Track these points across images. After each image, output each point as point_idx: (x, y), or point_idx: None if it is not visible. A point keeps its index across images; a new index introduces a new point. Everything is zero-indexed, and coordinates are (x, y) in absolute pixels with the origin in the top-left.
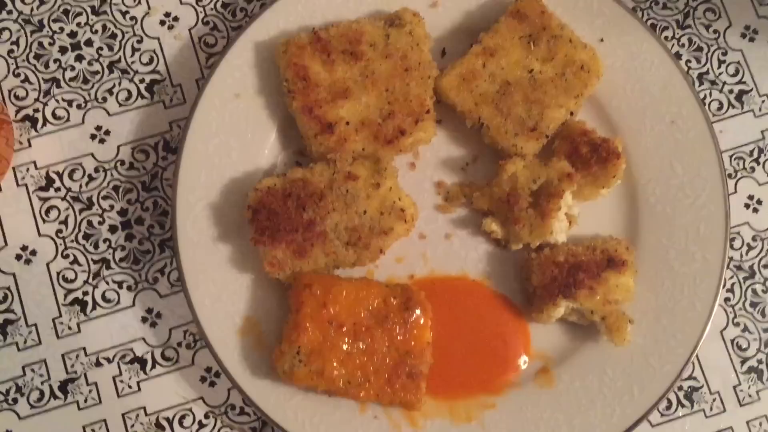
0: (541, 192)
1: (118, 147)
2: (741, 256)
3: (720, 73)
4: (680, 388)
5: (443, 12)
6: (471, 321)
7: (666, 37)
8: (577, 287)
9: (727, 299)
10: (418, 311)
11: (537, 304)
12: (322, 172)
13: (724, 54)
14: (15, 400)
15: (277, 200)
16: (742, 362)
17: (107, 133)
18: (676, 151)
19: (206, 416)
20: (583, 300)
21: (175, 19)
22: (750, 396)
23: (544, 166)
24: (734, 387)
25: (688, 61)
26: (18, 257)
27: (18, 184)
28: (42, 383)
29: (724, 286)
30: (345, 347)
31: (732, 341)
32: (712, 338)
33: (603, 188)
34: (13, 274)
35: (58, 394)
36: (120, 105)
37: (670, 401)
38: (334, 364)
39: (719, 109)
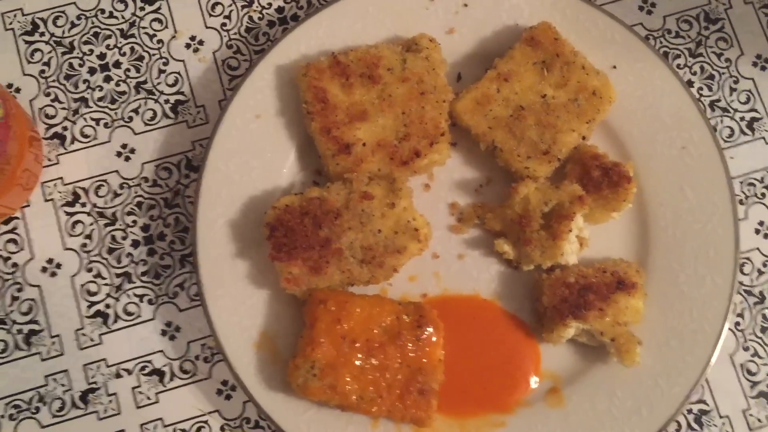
0: (553, 214)
1: (143, 165)
2: (751, 281)
3: (731, 101)
4: (690, 411)
5: (459, 38)
6: (482, 340)
7: (678, 65)
8: (587, 308)
9: (737, 324)
10: (430, 329)
11: (547, 325)
12: (338, 191)
13: (736, 82)
14: (37, 409)
15: (294, 218)
16: (752, 386)
17: (132, 151)
18: (687, 177)
19: (222, 429)
20: (593, 321)
21: (201, 42)
22: (759, 420)
23: (555, 189)
24: (744, 411)
25: (699, 88)
26: (44, 270)
27: (46, 199)
28: (64, 393)
29: (734, 311)
30: (358, 363)
31: (741, 366)
32: (722, 362)
33: (614, 211)
34: (39, 286)
35: (79, 404)
36: (145, 124)
37: (679, 424)
38: (348, 378)
39: (730, 135)
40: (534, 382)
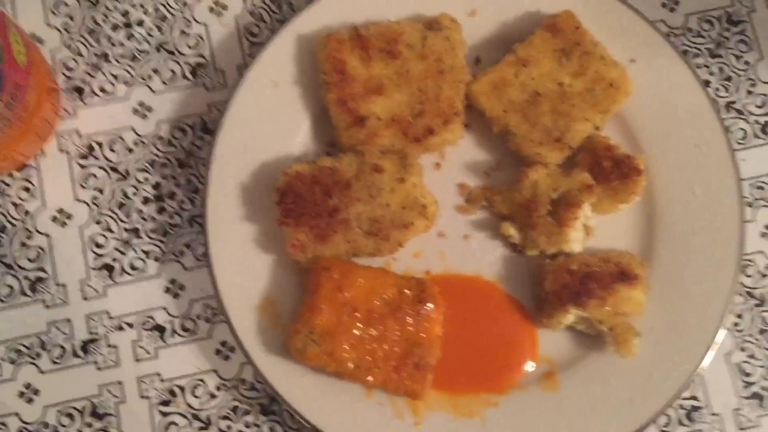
0: (561, 201)
1: (158, 123)
2: (754, 283)
3: (747, 104)
4: (681, 406)
5: (481, 21)
6: (482, 320)
7: (697, 65)
8: (588, 296)
9: (735, 324)
10: (431, 305)
11: (547, 310)
12: (350, 162)
13: (753, 85)
14: (38, 355)
15: (304, 185)
16: (746, 387)
17: (149, 109)
18: (698, 175)
19: (218, 388)
20: (592, 309)
21: (224, 7)
22: (750, 420)
23: (565, 177)
24: (735, 410)
25: (716, 89)
26: (54, 219)
27: (61, 150)
28: (65, 341)
29: (733, 311)
30: (357, 332)
31: (737, 366)
32: (718, 361)
33: (622, 203)
34: (48, 235)
35: (79, 353)
36: (164, 84)
37: (670, 418)
38: (345, 346)
39: (743, 138)
40: (530, 365)
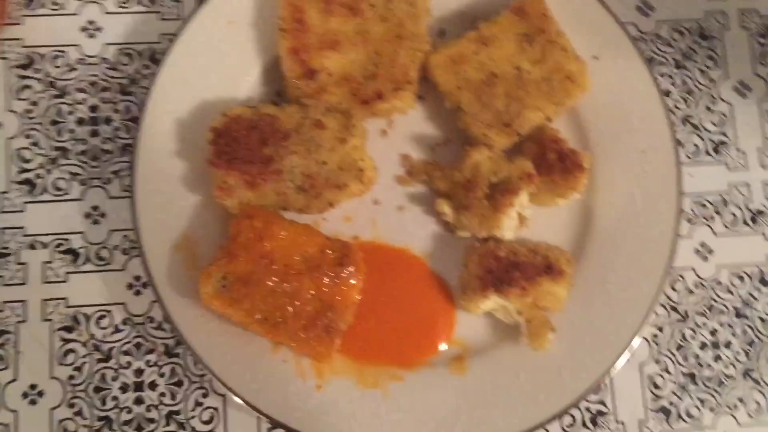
0: (499, 186)
1: (106, 45)
2: (679, 298)
3: (704, 120)
4: (588, 409)
5: None
6: (402, 294)
7: (661, 73)
8: (510, 284)
9: (654, 336)
10: (351, 269)
11: (468, 293)
12: (292, 114)
13: (713, 102)
14: None
15: (242, 129)
16: (654, 399)
17: (99, 29)
18: (640, 181)
19: (124, 322)
20: (513, 298)
21: None
22: None
23: (508, 162)
24: (640, 421)
25: (676, 100)
26: None
27: (0, 57)
28: None
29: (654, 322)
30: (271, 284)
31: (649, 377)
32: (631, 369)
33: (560, 198)
34: None
35: None
36: (118, 6)
37: (574, 418)
38: (256, 297)
39: (695, 153)
40: (443, 346)
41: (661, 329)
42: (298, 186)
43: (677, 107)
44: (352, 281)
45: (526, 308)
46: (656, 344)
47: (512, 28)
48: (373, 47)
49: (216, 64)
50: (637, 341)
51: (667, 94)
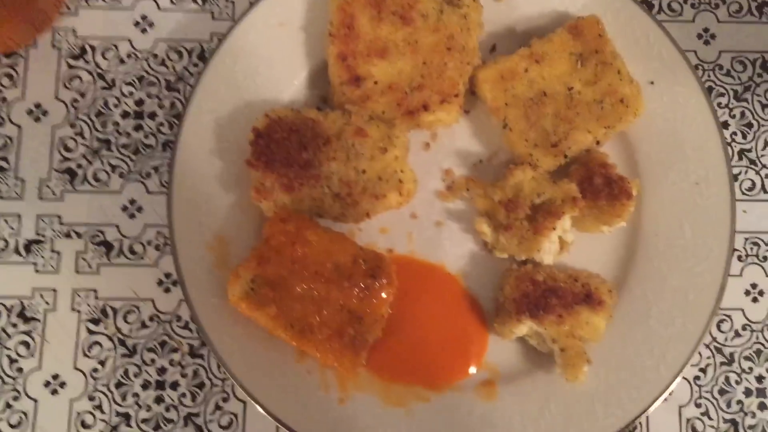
0: (542, 208)
1: (156, 40)
2: (725, 339)
3: (762, 155)
4: None
5: (506, 9)
6: (434, 312)
7: (719, 103)
8: (546, 311)
9: (696, 378)
10: (383, 282)
11: (502, 316)
12: (335, 119)
13: None
14: None
15: (283, 131)
16: None
17: (151, 24)
18: (691, 214)
19: (151, 319)
20: (548, 326)
21: None
22: None
23: (552, 184)
24: None
25: (734, 133)
26: (29, 112)
27: (53, 46)
28: (10, 236)
29: (697, 364)
30: (299, 290)
31: (688, 421)
32: (669, 411)
33: (605, 225)
34: (20, 126)
35: (21, 251)
36: (172, 3)
37: None
38: (284, 303)
39: (750, 189)
40: (472, 369)
41: (704, 371)
42: (335, 193)
43: (734, 140)
44: (383, 294)
45: (561, 337)
46: (698, 386)
47: (566, 47)
48: (421, 57)
49: (263, 66)
50: (677, 382)
51: (725, 125)
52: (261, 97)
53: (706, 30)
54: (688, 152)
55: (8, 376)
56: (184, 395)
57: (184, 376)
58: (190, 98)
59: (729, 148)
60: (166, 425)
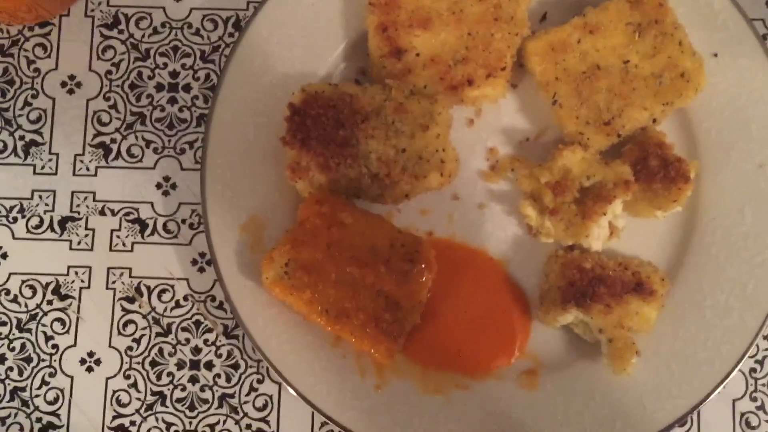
0: (592, 191)
1: (191, 9)
2: None
3: None
4: None
5: None
6: (475, 298)
7: None
8: (594, 300)
9: (753, 370)
10: (421, 266)
11: (546, 304)
12: (374, 94)
13: None
14: (15, 219)
15: (320, 107)
16: None
17: None
18: (754, 198)
19: (185, 298)
20: (595, 315)
21: None
22: None
23: (604, 165)
24: None
25: None
26: (63, 84)
27: (86, 15)
28: (45, 212)
29: (754, 355)
30: (334, 275)
31: (743, 415)
32: (723, 404)
33: (659, 210)
34: (54, 99)
35: (56, 228)
36: None
37: None
38: (319, 287)
39: None
40: (514, 357)
41: (760, 363)
42: (373, 173)
43: None
44: (422, 279)
45: (609, 327)
46: (754, 379)
47: (623, 16)
48: (466, 28)
49: (300, 36)
50: (733, 375)
51: None
52: (297, 70)
53: None
54: (752, 131)
55: (44, 352)
56: (218, 375)
57: (218, 356)
58: (224, 70)
59: None
60: (201, 405)
